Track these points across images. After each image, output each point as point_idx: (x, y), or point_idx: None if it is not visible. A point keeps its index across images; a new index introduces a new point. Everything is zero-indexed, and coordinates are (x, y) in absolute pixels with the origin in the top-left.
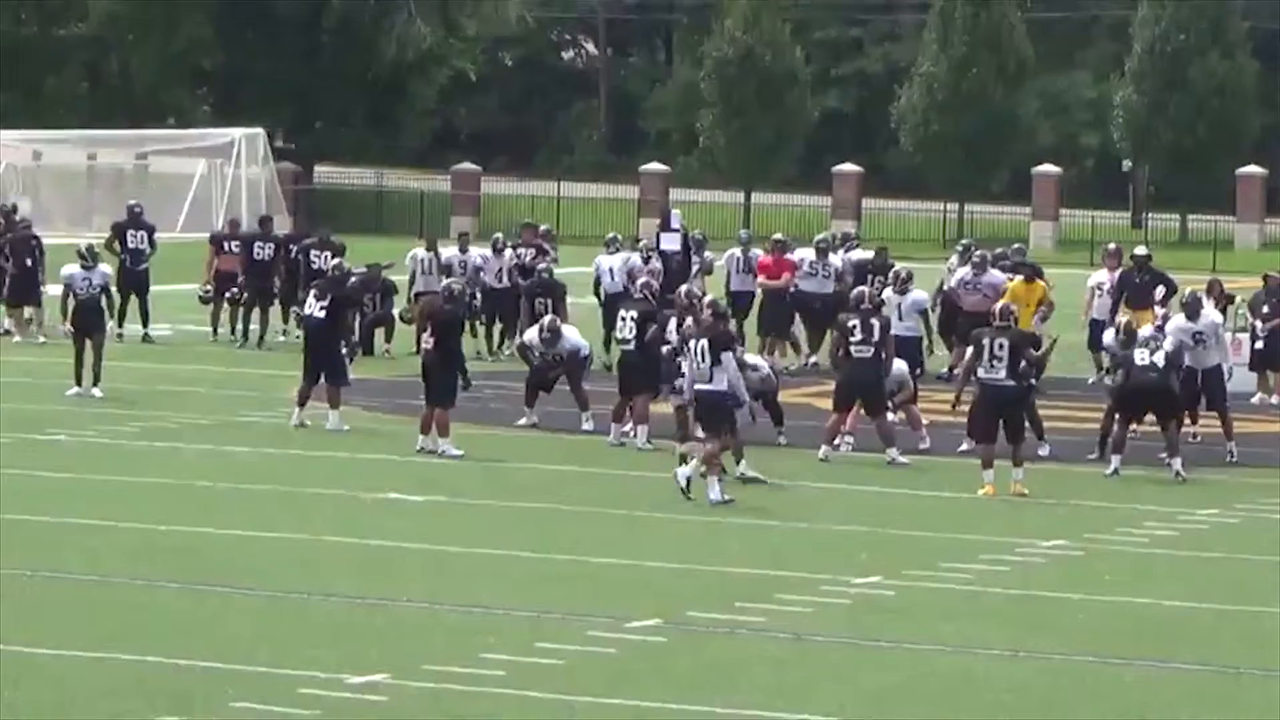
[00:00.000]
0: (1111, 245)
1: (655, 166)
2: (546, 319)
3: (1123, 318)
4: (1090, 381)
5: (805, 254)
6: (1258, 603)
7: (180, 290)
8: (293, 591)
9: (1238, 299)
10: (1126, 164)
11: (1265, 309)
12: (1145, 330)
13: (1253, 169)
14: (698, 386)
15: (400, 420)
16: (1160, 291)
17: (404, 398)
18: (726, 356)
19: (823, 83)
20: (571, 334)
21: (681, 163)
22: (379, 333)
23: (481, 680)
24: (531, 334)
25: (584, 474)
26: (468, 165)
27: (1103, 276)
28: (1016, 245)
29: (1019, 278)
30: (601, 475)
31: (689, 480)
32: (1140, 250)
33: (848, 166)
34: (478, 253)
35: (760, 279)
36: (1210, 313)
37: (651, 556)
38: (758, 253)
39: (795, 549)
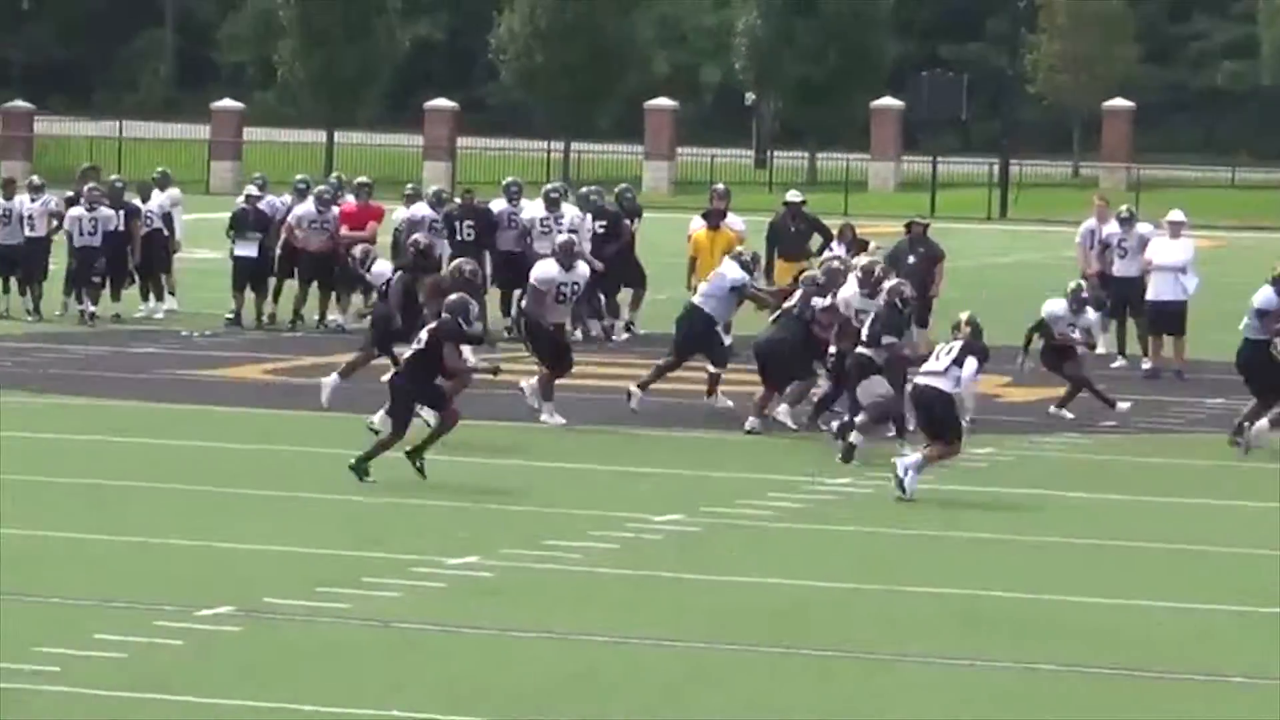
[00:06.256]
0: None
1: (228, 104)
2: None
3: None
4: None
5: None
6: (890, 581)
7: None
8: None
9: (871, 245)
10: (750, 97)
11: (911, 259)
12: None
13: (888, 101)
14: (926, 380)
15: None
16: (817, 241)
17: None
18: (972, 362)
19: (414, 8)
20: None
21: (258, 99)
22: None
23: (34, 677)
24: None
25: (152, 445)
26: (19, 103)
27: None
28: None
29: (704, 225)
30: (171, 447)
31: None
32: (793, 195)
33: (441, 102)
34: (25, 200)
35: (343, 229)
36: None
37: (224, 537)
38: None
39: (386, 528)
